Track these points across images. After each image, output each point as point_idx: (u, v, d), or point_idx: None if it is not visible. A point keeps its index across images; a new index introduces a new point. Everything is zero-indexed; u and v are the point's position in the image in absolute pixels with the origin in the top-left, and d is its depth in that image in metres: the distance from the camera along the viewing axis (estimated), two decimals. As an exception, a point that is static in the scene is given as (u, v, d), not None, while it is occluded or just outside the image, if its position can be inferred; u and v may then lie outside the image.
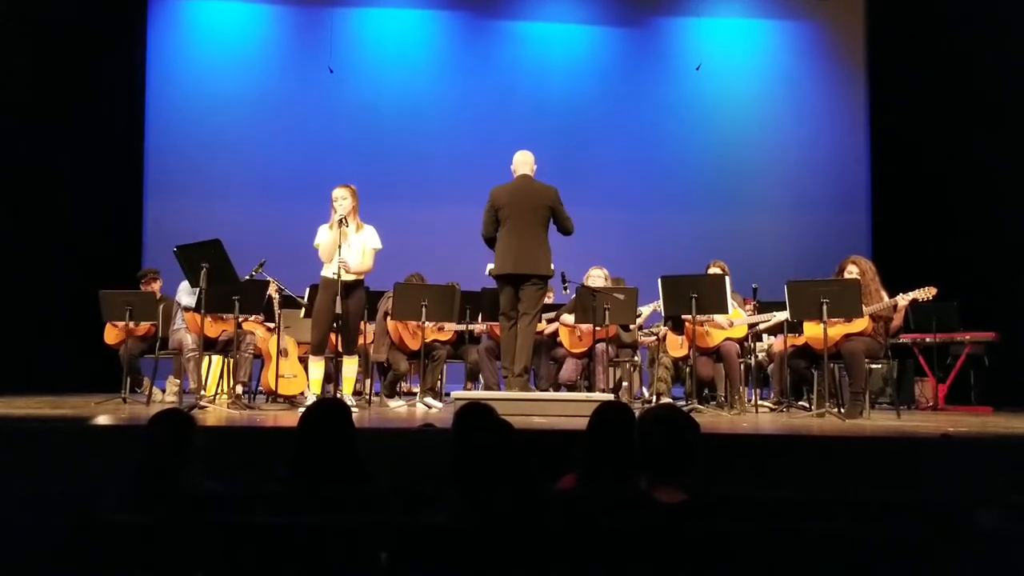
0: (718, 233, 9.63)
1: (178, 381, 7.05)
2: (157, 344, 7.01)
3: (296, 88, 9.99)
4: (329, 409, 3.20)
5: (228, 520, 2.58)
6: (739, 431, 4.94)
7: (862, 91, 10.31)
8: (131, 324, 6.90)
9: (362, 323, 6.56)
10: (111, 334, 7.29)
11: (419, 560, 2.36)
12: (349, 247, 6.02)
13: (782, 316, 6.57)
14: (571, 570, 2.17)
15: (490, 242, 6.17)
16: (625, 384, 7.52)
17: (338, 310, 5.94)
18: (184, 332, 6.99)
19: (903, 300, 6.01)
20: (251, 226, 9.17)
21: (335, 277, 5.90)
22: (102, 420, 4.98)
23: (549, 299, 7.14)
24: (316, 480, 2.91)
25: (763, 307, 7.02)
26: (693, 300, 6.15)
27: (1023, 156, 8.13)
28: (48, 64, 8.62)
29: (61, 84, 8.71)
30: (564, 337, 7.20)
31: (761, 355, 7.51)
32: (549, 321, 7.28)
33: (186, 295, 6.85)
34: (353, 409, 4.49)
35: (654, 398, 7.16)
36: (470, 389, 7.76)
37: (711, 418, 5.98)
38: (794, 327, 6.54)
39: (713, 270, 6.91)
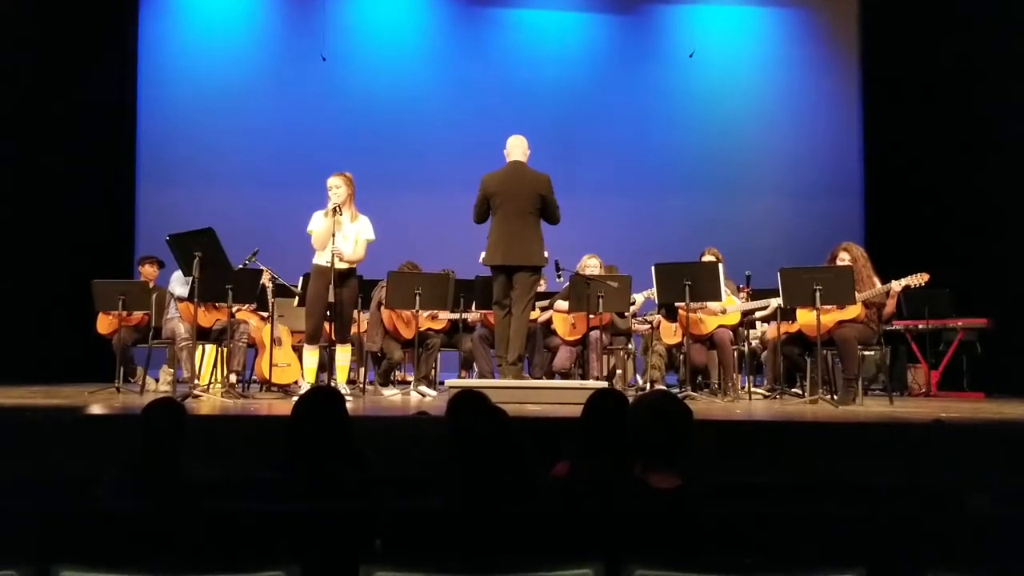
0: (711, 220, 9.63)
1: (172, 370, 7.04)
2: (150, 333, 6.99)
3: (289, 76, 9.94)
4: (322, 397, 3.20)
5: (222, 507, 2.58)
6: (733, 418, 4.96)
7: (855, 78, 10.31)
8: (124, 313, 6.88)
9: (356, 312, 6.56)
10: (104, 324, 7.27)
11: (413, 547, 2.37)
12: (344, 237, 6.00)
13: (775, 303, 6.58)
14: (565, 557, 2.18)
15: (479, 221, 6.16)
16: (619, 372, 7.53)
17: (331, 299, 5.94)
18: (177, 321, 6.98)
19: (896, 287, 6.02)
20: (244, 215, 9.14)
21: (328, 265, 5.89)
22: (96, 410, 4.98)
23: (542, 287, 7.15)
24: (310, 468, 2.91)
25: (756, 294, 7.03)
26: (687, 287, 6.15)
27: (1017, 143, 8.14)
28: (39, 53, 8.56)
29: (52, 73, 8.65)
30: (558, 325, 7.21)
31: (754, 342, 7.53)
32: (543, 309, 7.28)
33: (179, 284, 6.84)
34: (347, 398, 4.49)
35: (648, 385, 7.18)
36: (464, 377, 7.78)
37: (705, 405, 6.00)
38: (787, 314, 6.56)
39: (707, 258, 6.91)
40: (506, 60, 10.15)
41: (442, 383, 7.29)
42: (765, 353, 7.51)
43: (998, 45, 8.30)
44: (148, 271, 7.47)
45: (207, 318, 6.74)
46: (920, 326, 7.87)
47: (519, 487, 2.68)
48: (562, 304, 7.10)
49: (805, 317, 6.13)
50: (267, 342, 7.00)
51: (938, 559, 2.29)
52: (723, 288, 6.47)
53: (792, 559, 2.24)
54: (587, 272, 6.89)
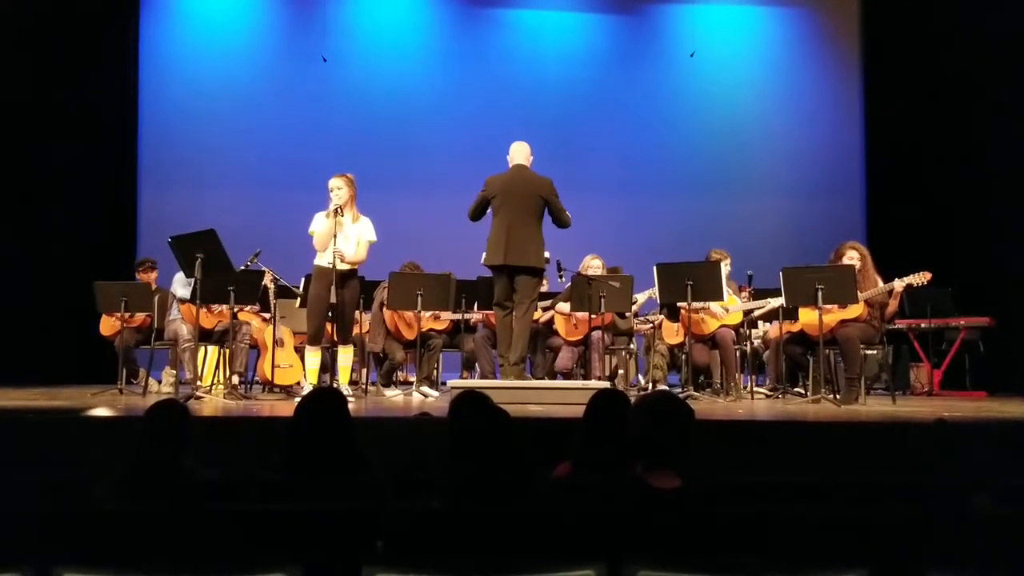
0: (713, 220, 9.62)
1: (174, 372, 7.05)
2: (153, 335, 7.00)
3: (290, 77, 9.94)
4: (325, 398, 3.20)
5: (224, 508, 2.58)
6: (735, 417, 4.96)
7: (857, 77, 10.29)
8: (126, 315, 6.89)
9: (357, 312, 6.56)
10: (106, 325, 7.28)
11: (415, 548, 2.37)
12: (346, 238, 6.01)
13: (777, 303, 6.58)
14: (567, 557, 2.18)
15: (473, 219, 6.19)
16: (621, 372, 7.53)
17: (333, 300, 5.94)
18: (180, 323, 6.99)
19: (898, 286, 6.01)
20: (245, 216, 9.14)
21: (329, 266, 5.89)
22: (99, 411, 4.99)
23: (544, 287, 7.15)
24: (312, 469, 2.91)
25: (758, 294, 7.02)
26: (689, 287, 6.15)
27: (1018, 141, 8.13)
28: (40, 54, 8.56)
29: (53, 75, 8.65)
30: (560, 325, 7.21)
31: (757, 342, 7.52)
32: (544, 310, 7.28)
33: (181, 286, 6.85)
34: (349, 399, 4.50)
35: (650, 385, 7.17)
36: (466, 378, 7.77)
37: (707, 405, 5.99)
38: (789, 313, 6.55)
39: (716, 259, 6.88)
40: (507, 60, 10.15)
41: (444, 384, 7.29)
42: (767, 353, 7.51)
43: (999, 46, 8.29)
44: (145, 277, 7.46)
45: (209, 319, 6.75)
46: (922, 325, 7.85)
47: (521, 488, 2.68)
48: (564, 305, 7.10)
49: (807, 316, 6.13)
50: (269, 343, 7.00)
51: (941, 559, 2.29)
52: (725, 288, 6.47)
53: (794, 559, 2.23)
54: (589, 274, 6.88)
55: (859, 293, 5.93)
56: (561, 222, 6.10)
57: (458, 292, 7.03)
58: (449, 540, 2.37)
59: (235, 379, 6.80)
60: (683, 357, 6.79)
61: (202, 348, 7.04)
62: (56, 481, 3.04)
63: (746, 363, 7.19)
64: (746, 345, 7.13)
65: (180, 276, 6.79)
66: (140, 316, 7.14)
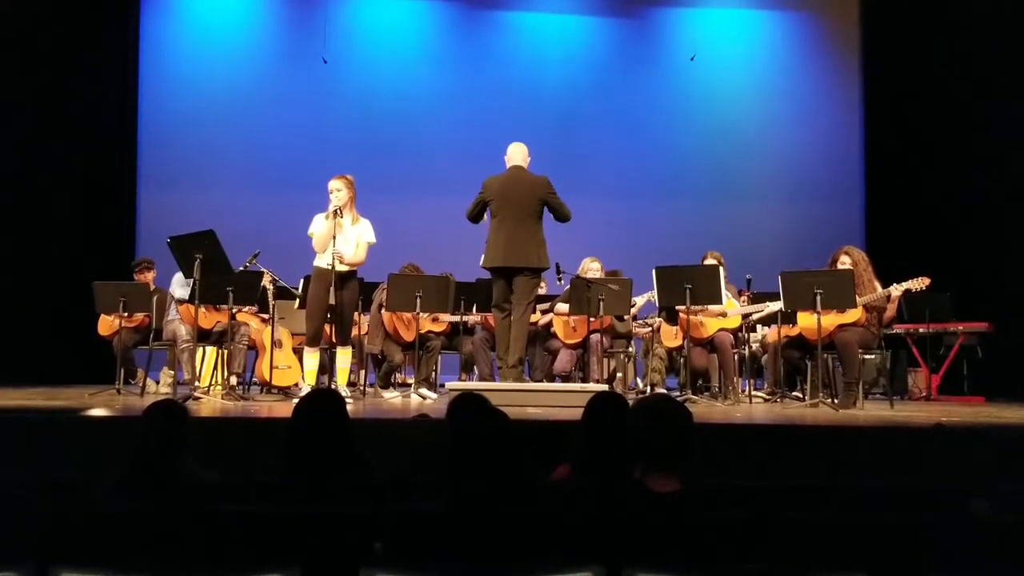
0: (712, 223, 9.63)
1: (172, 372, 7.04)
2: (151, 335, 6.99)
3: (290, 79, 9.95)
4: (323, 400, 3.20)
5: (222, 510, 2.58)
6: (733, 421, 4.96)
7: (857, 81, 10.31)
8: (125, 315, 6.88)
9: (356, 314, 6.56)
10: (105, 325, 7.27)
11: (413, 550, 2.37)
12: (345, 239, 6.01)
13: (775, 306, 6.58)
14: (565, 560, 2.18)
15: (472, 221, 6.20)
16: (619, 375, 7.53)
17: (332, 301, 5.94)
18: (178, 323, 6.98)
19: (896, 290, 6.01)
20: (245, 217, 9.15)
21: (328, 268, 5.89)
22: (97, 411, 4.98)
23: (543, 290, 7.15)
24: (310, 471, 2.91)
25: (756, 298, 7.03)
26: (687, 291, 6.15)
27: (1017, 146, 8.14)
28: (41, 55, 8.57)
29: (53, 76, 8.66)
30: (558, 328, 7.21)
31: (755, 345, 7.52)
32: (543, 312, 7.28)
33: (180, 286, 6.85)
34: (347, 400, 4.50)
35: (648, 388, 7.17)
36: (465, 380, 7.77)
37: (705, 408, 5.99)
38: (788, 317, 6.55)
39: (709, 261, 6.91)
40: (507, 63, 10.16)
41: (442, 385, 7.29)
42: (766, 356, 7.51)
43: (998, 49, 8.30)
44: (142, 277, 7.46)
45: (208, 320, 6.74)
46: (921, 330, 7.86)
47: (519, 490, 2.68)
48: (562, 307, 7.10)
49: (806, 320, 6.13)
50: (268, 344, 7.00)
51: (939, 564, 2.29)
52: (724, 291, 6.47)
53: (792, 563, 2.24)
54: (588, 276, 6.89)
55: (857, 298, 5.93)
56: (562, 216, 6.08)
57: (457, 294, 7.03)
58: (447, 542, 2.37)
59: (233, 380, 6.80)
60: (681, 360, 6.79)
61: (200, 349, 7.04)
62: (55, 481, 3.04)
63: (744, 367, 7.19)
64: (744, 349, 7.14)
65: (179, 276, 6.79)
66: (138, 316, 7.13)
